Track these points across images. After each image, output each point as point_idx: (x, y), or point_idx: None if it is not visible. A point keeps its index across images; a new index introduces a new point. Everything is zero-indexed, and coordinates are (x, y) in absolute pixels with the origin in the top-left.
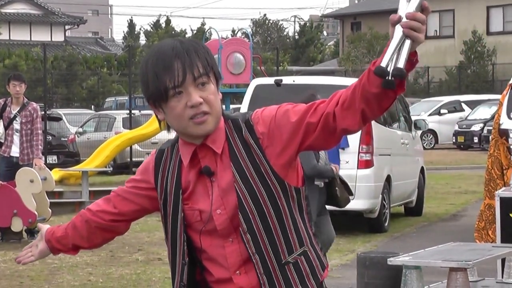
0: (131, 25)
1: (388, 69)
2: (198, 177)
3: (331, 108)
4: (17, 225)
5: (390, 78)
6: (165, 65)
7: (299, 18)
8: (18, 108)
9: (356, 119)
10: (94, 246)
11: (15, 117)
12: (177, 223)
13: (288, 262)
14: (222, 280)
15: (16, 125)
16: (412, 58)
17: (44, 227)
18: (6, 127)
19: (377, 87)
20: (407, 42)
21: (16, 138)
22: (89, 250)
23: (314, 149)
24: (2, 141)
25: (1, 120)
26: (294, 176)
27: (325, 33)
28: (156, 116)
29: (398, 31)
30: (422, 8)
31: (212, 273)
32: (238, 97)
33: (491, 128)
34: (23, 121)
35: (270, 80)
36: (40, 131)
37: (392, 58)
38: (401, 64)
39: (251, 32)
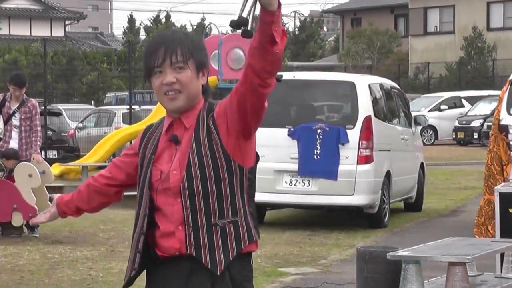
0: (131, 20)
1: (244, 15)
2: (168, 144)
3: (241, 77)
4: (17, 219)
5: (247, 28)
6: (153, 49)
7: (299, 14)
8: (18, 104)
9: (247, 73)
10: (92, 209)
11: (14, 113)
12: (146, 181)
13: (216, 225)
14: (167, 233)
15: (15, 121)
16: (280, 8)
17: (56, 195)
18: (4, 123)
19: (255, 41)
20: None
21: (15, 134)
22: (89, 212)
23: (249, 112)
24: (1, 136)
25: (0, 115)
26: (242, 156)
27: (325, 28)
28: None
29: None
30: None
31: (160, 227)
32: None
33: (491, 124)
34: (23, 117)
35: None
36: (39, 128)
37: (242, 9)
38: (245, 13)
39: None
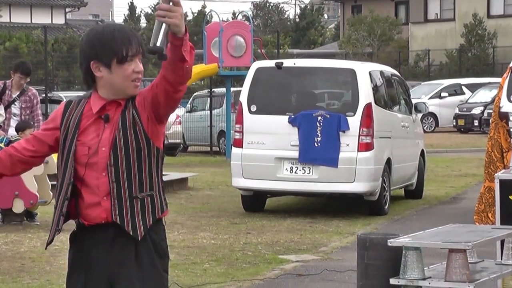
0: (132, 7)
1: (158, 43)
2: (95, 121)
3: (158, 79)
4: (18, 206)
5: (161, 54)
6: (128, 38)
7: (299, 1)
8: (18, 93)
9: (162, 82)
10: (14, 175)
11: (14, 101)
12: (70, 154)
13: (136, 197)
14: (92, 204)
15: (15, 109)
16: (187, 33)
17: None
18: (4, 110)
19: (167, 59)
20: (164, 25)
21: (13, 122)
22: (11, 176)
23: (162, 108)
24: (1, 124)
25: (1, 103)
26: (158, 139)
27: (325, 16)
28: (91, 74)
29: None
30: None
31: (84, 198)
32: (238, 80)
33: (491, 111)
34: (23, 106)
35: (271, 63)
36: (41, 117)
37: (156, 38)
38: (159, 42)
39: (251, 15)
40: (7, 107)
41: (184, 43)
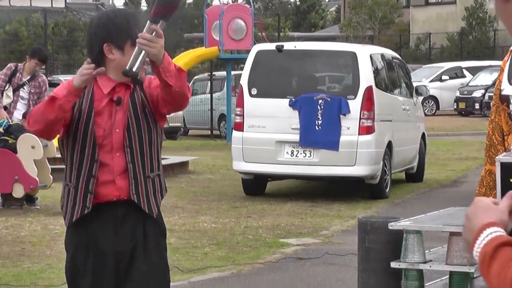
0: None
1: (134, 69)
2: (107, 104)
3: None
4: (18, 191)
5: (135, 78)
6: (140, 22)
7: None
8: (29, 77)
9: (163, 101)
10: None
11: (23, 84)
12: (88, 135)
13: (149, 177)
14: (106, 181)
15: (23, 93)
16: (164, 59)
17: None
18: (12, 92)
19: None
20: (143, 52)
21: (20, 105)
22: None
23: (161, 106)
24: (8, 106)
25: (10, 85)
26: (162, 121)
27: None
28: (103, 56)
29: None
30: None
31: (99, 177)
32: (239, 63)
33: (492, 94)
34: (32, 91)
35: (271, 46)
36: None
37: (134, 63)
38: (135, 68)
39: None
40: (15, 90)
41: (162, 70)
